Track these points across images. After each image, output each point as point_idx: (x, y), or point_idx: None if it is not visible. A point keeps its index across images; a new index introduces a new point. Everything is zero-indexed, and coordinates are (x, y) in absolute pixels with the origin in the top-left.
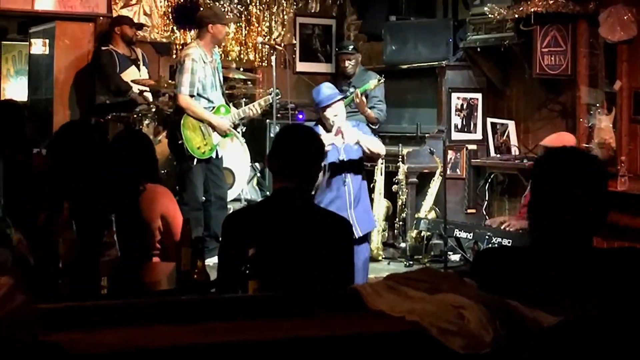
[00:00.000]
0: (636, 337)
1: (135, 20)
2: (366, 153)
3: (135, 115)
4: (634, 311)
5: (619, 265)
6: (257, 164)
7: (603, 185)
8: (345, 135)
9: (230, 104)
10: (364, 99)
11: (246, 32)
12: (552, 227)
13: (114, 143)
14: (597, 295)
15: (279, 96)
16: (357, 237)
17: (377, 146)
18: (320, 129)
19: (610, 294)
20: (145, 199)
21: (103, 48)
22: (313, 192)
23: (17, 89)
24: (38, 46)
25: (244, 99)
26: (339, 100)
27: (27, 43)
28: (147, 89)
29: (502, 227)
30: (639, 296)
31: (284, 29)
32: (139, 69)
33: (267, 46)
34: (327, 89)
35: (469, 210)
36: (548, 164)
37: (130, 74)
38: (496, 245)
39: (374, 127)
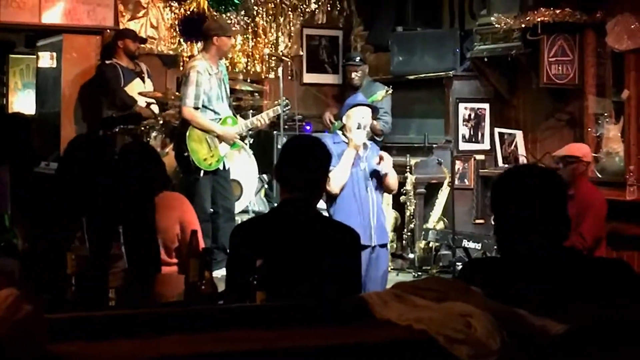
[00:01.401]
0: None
1: (142, 33)
2: (384, 181)
3: (142, 128)
4: (633, 320)
5: (608, 275)
6: (264, 176)
7: (562, 195)
8: (384, 162)
9: (237, 116)
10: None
11: (253, 43)
12: (519, 245)
13: (122, 155)
14: (592, 304)
15: (289, 107)
16: (374, 245)
17: (395, 182)
18: (339, 136)
19: (603, 304)
20: (162, 206)
21: (107, 62)
22: (329, 201)
23: (24, 102)
24: (45, 59)
25: (251, 111)
26: (366, 105)
27: (35, 56)
28: (154, 101)
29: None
30: (632, 306)
31: (291, 41)
32: (143, 82)
33: (273, 57)
34: (360, 96)
35: (477, 221)
36: (505, 184)
37: (135, 87)
38: None
39: (378, 138)
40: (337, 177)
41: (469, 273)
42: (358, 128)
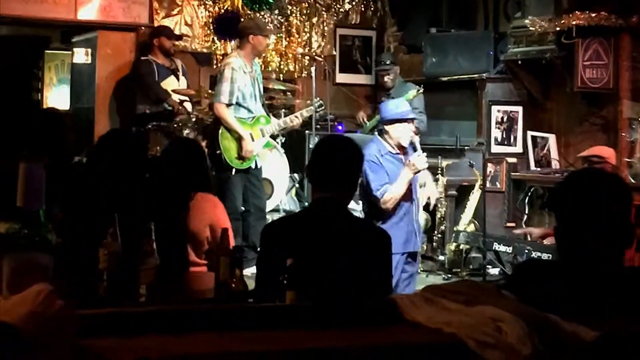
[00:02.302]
0: None
1: (177, 31)
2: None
3: (175, 125)
4: None
5: None
6: (295, 175)
7: (627, 202)
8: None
9: (270, 115)
10: None
11: (286, 43)
12: (581, 250)
13: (165, 151)
14: (632, 313)
15: (323, 107)
16: (415, 250)
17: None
18: (383, 145)
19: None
20: (195, 208)
21: (142, 58)
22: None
23: (59, 98)
24: (80, 55)
25: (283, 110)
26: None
27: (70, 52)
28: (187, 98)
29: (528, 238)
30: None
31: (324, 40)
32: (177, 79)
33: (307, 57)
34: (403, 105)
35: (508, 224)
36: (571, 187)
37: (169, 84)
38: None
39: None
40: (394, 199)
41: (523, 272)
42: (415, 150)
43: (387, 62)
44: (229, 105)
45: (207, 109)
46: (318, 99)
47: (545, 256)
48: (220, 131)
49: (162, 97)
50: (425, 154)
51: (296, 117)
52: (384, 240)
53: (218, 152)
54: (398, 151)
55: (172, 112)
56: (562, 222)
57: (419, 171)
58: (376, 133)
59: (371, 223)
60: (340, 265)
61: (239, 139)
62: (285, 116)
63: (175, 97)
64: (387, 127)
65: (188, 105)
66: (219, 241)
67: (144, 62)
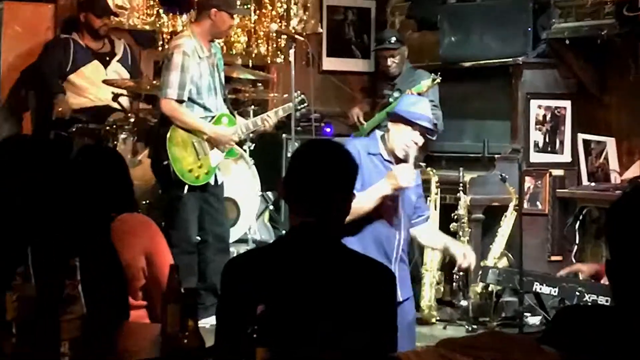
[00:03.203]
0: None
1: (112, 2)
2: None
3: (108, 128)
4: None
5: None
6: (269, 193)
7: None
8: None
9: (235, 113)
10: None
11: (256, 17)
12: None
13: (74, 163)
14: None
15: (306, 104)
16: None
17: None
18: (378, 143)
19: None
20: (121, 233)
21: (62, 36)
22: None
23: None
24: None
25: (252, 107)
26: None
27: None
28: (124, 92)
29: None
30: None
31: (307, 14)
32: (106, 66)
33: (283, 36)
34: (422, 102)
35: (553, 258)
36: (627, 209)
37: (89, 72)
38: (589, 303)
39: (431, 138)
40: (355, 211)
41: (569, 322)
42: (403, 159)
43: (392, 41)
44: (179, 101)
45: (150, 105)
46: (299, 92)
47: (602, 300)
48: (168, 135)
49: (53, 89)
50: (415, 170)
51: (269, 116)
52: (387, 280)
53: (165, 163)
54: (390, 159)
55: (104, 111)
56: (616, 254)
57: (399, 188)
58: (376, 131)
59: (369, 258)
60: (328, 313)
61: (197, 144)
62: (255, 115)
63: (107, 91)
64: (390, 125)
65: (125, 101)
66: (157, 275)
67: (57, 42)
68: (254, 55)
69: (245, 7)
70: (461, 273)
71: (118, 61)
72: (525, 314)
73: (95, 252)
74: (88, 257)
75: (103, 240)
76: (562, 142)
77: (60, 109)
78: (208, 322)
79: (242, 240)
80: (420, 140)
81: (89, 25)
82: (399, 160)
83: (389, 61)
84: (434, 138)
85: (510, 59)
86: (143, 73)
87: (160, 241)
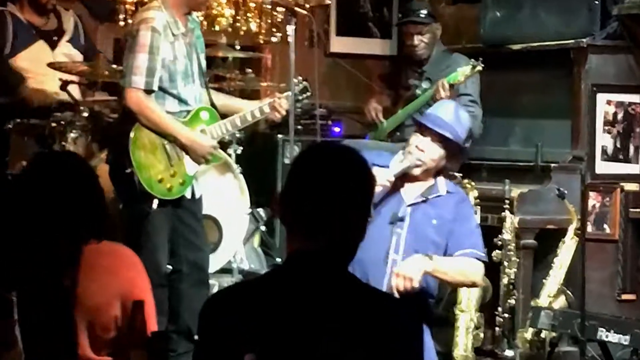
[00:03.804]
0: None
1: None
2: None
3: (54, 124)
4: None
5: None
6: (260, 211)
7: None
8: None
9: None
10: (452, 91)
11: None
12: None
13: (28, 173)
14: None
15: (308, 93)
16: None
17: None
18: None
19: None
20: (92, 267)
21: None
22: None
23: None
24: None
25: (240, 99)
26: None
27: None
28: (75, 78)
29: None
30: None
31: None
32: (52, 46)
33: (280, 9)
34: (444, 109)
35: (624, 296)
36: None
37: (33, 54)
38: None
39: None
40: None
41: None
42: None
43: (421, 15)
44: (148, 92)
45: (107, 96)
46: (300, 79)
47: None
48: (132, 135)
49: (10, 80)
50: (405, 162)
51: (260, 110)
52: (410, 322)
53: (128, 170)
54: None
55: (49, 103)
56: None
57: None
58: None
59: (386, 295)
60: None
61: (169, 147)
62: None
63: (55, 77)
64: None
65: (75, 91)
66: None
67: None
68: (242, 32)
69: None
70: (506, 315)
71: (68, 41)
72: None
73: (42, 288)
74: (32, 294)
75: (55, 273)
76: (637, 148)
77: (32, 100)
78: None
79: (226, 271)
80: (430, 149)
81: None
82: (410, 177)
83: (416, 40)
84: (467, 144)
85: (572, 41)
86: (100, 54)
87: (143, 284)
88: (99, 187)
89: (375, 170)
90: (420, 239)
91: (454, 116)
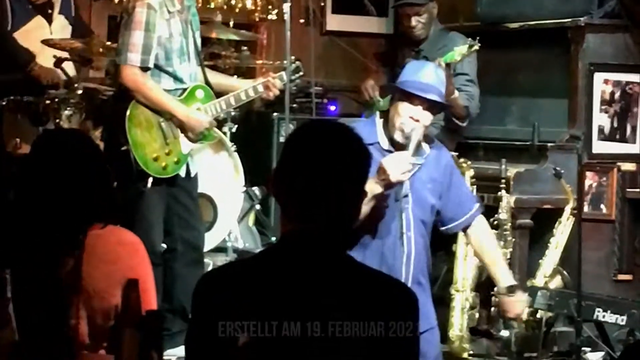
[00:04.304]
0: None
1: None
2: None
3: (47, 102)
4: None
5: None
6: (255, 189)
7: None
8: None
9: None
10: (449, 69)
11: None
12: None
13: (34, 150)
14: None
15: (300, 73)
16: None
17: None
18: (377, 127)
19: None
20: (93, 254)
21: None
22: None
23: None
24: None
25: (235, 77)
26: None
27: None
28: (68, 56)
29: None
30: None
31: None
32: (49, 21)
33: None
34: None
35: (620, 276)
36: None
37: (33, 31)
38: None
39: (461, 123)
40: None
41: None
42: (400, 143)
43: None
44: (144, 69)
45: (102, 74)
46: (292, 59)
47: None
48: (128, 113)
49: (20, 58)
50: (412, 156)
51: (254, 89)
52: (406, 299)
53: (124, 148)
54: (391, 148)
55: (39, 79)
56: None
57: (391, 185)
58: (376, 113)
59: (384, 275)
60: (330, 347)
61: (164, 125)
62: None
63: (48, 54)
64: (390, 102)
65: (69, 68)
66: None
67: None
68: (237, 10)
69: None
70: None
71: (60, 13)
72: (583, 348)
73: (37, 266)
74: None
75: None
76: (634, 128)
77: (44, 76)
78: (175, 354)
79: (220, 249)
80: (423, 117)
81: None
82: (400, 148)
83: (414, 21)
84: (464, 124)
85: (569, 20)
86: (92, 30)
87: (145, 271)
88: (106, 168)
89: (393, 158)
90: (423, 207)
91: (436, 77)
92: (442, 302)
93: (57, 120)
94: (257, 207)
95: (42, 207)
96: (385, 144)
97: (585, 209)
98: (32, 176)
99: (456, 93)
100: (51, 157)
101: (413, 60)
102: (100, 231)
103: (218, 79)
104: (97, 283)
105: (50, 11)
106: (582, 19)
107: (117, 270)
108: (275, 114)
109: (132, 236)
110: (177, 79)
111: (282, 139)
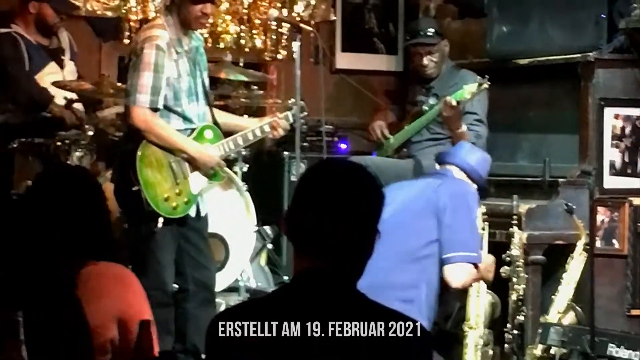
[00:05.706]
0: None
1: None
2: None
3: (59, 143)
4: None
5: None
6: (267, 228)
7: None
8: None
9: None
10: (458, 107)
11: (250, 0)
12: None
13: (34, 190)
14: None
15: (305, 113)
16: None
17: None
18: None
19: None
20: (87, 289)
21: (1, 31)
22: None
23: None
24: None
25: (245, 116)
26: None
27: None
28: (77, 97)
29: None
30: None
31: None
32: (61, 66)
33: (286, 25)
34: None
35: (633, 312)
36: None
37: (48, 75)
38: None
39: None
40: None
41: None
42: None
43: (429, 34)
44: (153, 109)
45: (113, 115)
46: (298, 95)
47: None
48: (139, 154)
49: (40, 98)
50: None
51: (262, 128)
52: (422, 339)
53: (135, 188)
54: None
55: (54, 123)
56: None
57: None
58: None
59: (398, 313)
60: None
61: (175, 165)
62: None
63: (59, 95)
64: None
65: (79, 109)
66: (131, 343)
67: (4, 40)
68: (247, 49)
69: None
70: (515, 332)
71: (70, 59)
72: None
73: (52, 306)
74: (39, 314)
75: (62, 291)
76: None
77: (65, 117)
78: None
79: (233, 289)
80: None
81: (40, 19)
82: None
83: (426, 60)
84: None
85: (579, 55)
86: (104, 73)
87: (141, 303)
88: (106, 206)
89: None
90: (404, 231)
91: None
92: (456, 340)
93: (68, 162)
94: (269, 246)
95: (37, 243)
96: None
97: (598, 244)
98: (28, 212)
99: (464, 127)
100: (46, 193)
101: (463, 143)
102: (93, 267)
103: (226, 118)
104: (91, 319)
105: (62, 57)
106: (591, 54)
107: (110, 304)
108: (286, 152)
109: (124, 270)
110: (186, 119)
111: (293, 178)
